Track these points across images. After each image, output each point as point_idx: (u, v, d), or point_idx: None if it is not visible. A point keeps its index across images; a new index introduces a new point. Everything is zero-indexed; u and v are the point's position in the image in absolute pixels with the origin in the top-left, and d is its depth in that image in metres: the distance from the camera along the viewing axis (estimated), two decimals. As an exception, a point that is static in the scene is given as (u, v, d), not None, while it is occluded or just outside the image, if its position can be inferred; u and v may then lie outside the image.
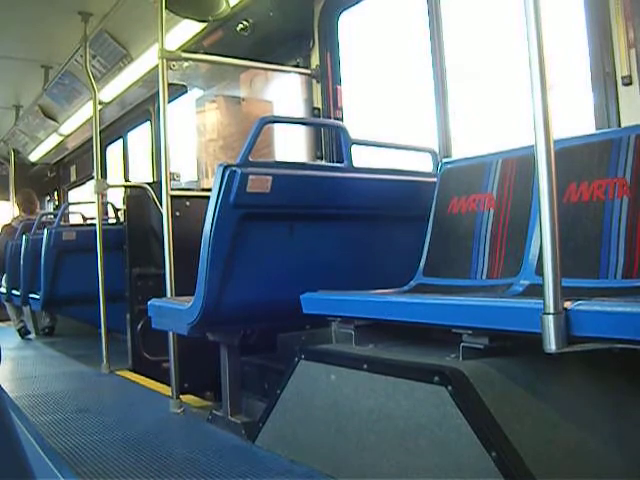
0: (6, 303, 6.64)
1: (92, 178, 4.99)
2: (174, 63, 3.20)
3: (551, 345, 1.37)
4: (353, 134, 2.68)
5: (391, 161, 3.02)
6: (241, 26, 4.07)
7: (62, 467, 2.15)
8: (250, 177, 2.27)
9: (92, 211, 5.31)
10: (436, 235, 2.50)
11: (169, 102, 3.12)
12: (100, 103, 4.86)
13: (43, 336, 6.18)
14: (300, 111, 4.18)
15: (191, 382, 3.17)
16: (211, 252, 2.27)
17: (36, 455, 2.28)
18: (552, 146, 1.41)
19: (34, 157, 8.71)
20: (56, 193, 9.79)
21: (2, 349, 4.36)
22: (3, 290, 6.63)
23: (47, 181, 9.76)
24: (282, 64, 4.14)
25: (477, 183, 2.39)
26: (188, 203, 3.33)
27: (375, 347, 2.02)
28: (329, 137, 3.99)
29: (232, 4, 3.79)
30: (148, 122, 6.61)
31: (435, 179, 2.60)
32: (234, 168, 2.27)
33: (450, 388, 1.56)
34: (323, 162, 3.97)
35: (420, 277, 2.45)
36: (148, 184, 3.94)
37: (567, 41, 2.71)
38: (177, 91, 4.80)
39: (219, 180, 2.27)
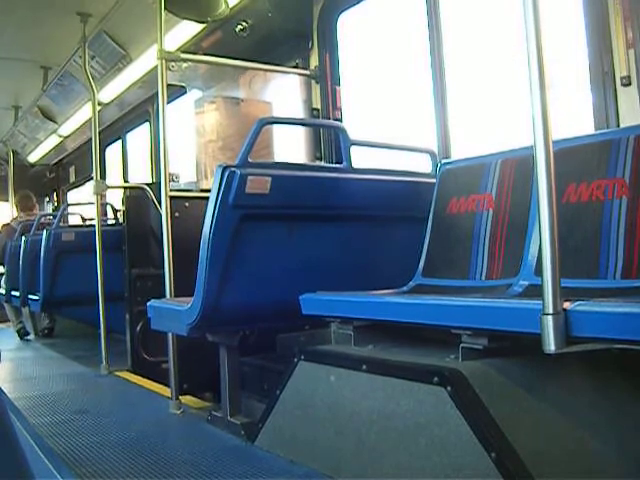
0: (5, 304, 6.64)
1: (91, 179, 5.00)
2: (173, 64, 3.19)
3: (550, 346, 1.37)
4: (352, 135, 2.68)
5: (390, 162, 3.01)
6: (240, 27, 4.07)
7: (61, 468, 2.15)
8: (249, 178, 2.27)
9: (91, 212, 5.31)
10: (435, 236, 2.50)
11: (168, 103, 3.12)
12: (99, 104, 4.85)
13: (42, 337, 6.17)
14: (299, 112, 4.18)
15: (190, 383, 3.17)
16: (210, 253, 2.27)
17: (35, 456, 2.28)
18: (551, 146, 1.41)
19: (33, 158, 8.71)
20: (55, 194, 9.79)
21: (1, 350, 4.36)
22: (2, 291, 6.63)
23: (46, 182, 9.76)
24: (281, 65, 4.15)
25: (476, 184, 2.39)
26: (187, 204, 3.33)
27: (374, 348, 2.02)
28: (328, 138, 3.99)
29: (231, 5, 3.80)
30: (147, 123, 6.61)
31: (434, 180, 2.60)
32: (233, 169, 2.27)
33: (449, 389, 1.56)
34: (322, 163, 3.97)
35: (419, 278, 2.45)
36: (147, 185, 3.94)
37: (566, 41, 2.71)
38: (176, 92, 4.80)
39: (218, 181, 2.27)
